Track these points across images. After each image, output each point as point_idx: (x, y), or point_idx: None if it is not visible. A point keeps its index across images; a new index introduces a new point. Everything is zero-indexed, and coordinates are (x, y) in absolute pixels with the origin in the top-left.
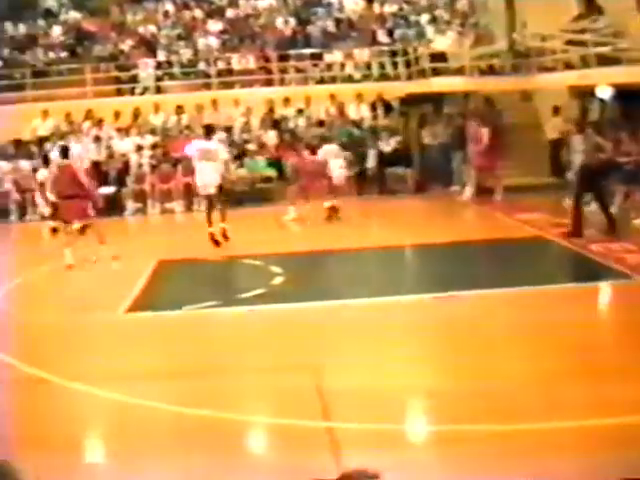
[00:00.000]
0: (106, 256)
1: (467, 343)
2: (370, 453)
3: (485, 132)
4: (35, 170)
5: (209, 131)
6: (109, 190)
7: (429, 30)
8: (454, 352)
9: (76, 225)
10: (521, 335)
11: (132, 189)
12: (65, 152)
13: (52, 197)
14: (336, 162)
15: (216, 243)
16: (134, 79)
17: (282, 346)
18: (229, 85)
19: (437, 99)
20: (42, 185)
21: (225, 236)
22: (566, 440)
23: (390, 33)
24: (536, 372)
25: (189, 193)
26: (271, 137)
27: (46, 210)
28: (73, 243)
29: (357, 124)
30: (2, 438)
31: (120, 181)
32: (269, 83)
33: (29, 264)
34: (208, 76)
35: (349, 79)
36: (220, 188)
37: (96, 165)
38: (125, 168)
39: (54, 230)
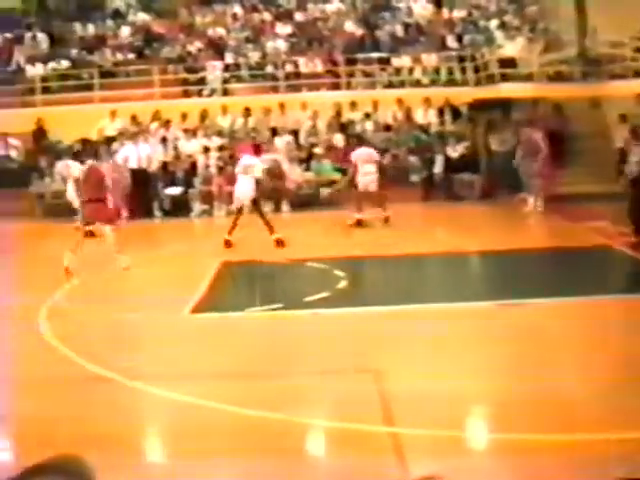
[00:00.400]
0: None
1: (531, 351)
2: (432, 459)
3: (540, 139)
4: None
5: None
6: (176, 191)
7: (498, 35)
8: (518, 360)
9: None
10: (586, 344)
11: (199, 190)
12: (96, 153)
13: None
14: (366, 167)
15: (227, 244)
16: (202, 81)
17: (345, 350)
18: (296, 88)
19: (505, 105)
20: (77, 181)
21: (282, 243)
22: (631, 451)
23: (459, 38)
24: (601, 382)
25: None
26: (338, 141)
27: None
28: (120, 247)
29: (424, 129)
30: (65, 436)
31: (187, 182)
32: (336, 87)
33: (94, 262)
34: (275, 79)
35: (417, 84)
36: (254, 201)
37: (164, 166)
38: (192, 169)
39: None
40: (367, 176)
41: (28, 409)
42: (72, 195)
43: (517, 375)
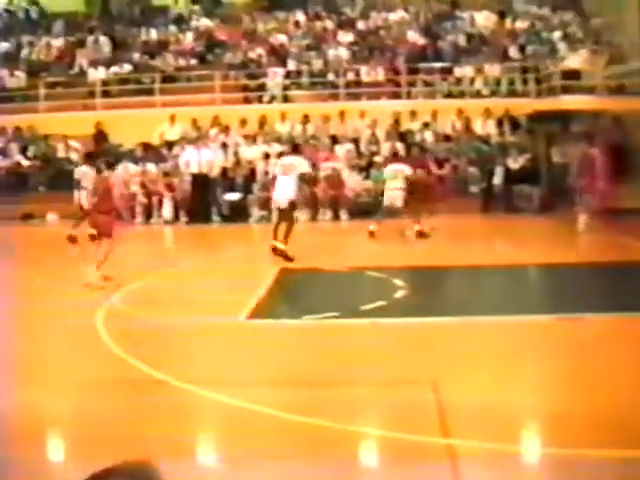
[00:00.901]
0: (93, 282)
1: (589, 366)
2: (488, 472)
3: (596, 155)
4: (166, 174)
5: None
6: (235, 197)
7: (561, 47)
8: (575, 374)
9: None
10: None
11: (258, 197)
12: (110, 164)
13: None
14: (392, 183)
15: (287, 258)
16: (262, 87)
17: (402, 359)
18: (356, 96)
19: (565, 117)
20: (78, 183)
21: (285, 255)
22: None
23: (521, 49)
24: None
25: (314, 203)
26: (399, 149)
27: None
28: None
29: (485, 140)
30: (120, 438)
31: (246, 188)
32: (396, 96)
33: (153, 266)
34: (335, 87)
35: (477, 94)
36: (292, 204)
37: (223, 171)
38: (251, 175)
39: (72, 239)
40: (392, 192)
41: (86, 411)
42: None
43: (574, 389)
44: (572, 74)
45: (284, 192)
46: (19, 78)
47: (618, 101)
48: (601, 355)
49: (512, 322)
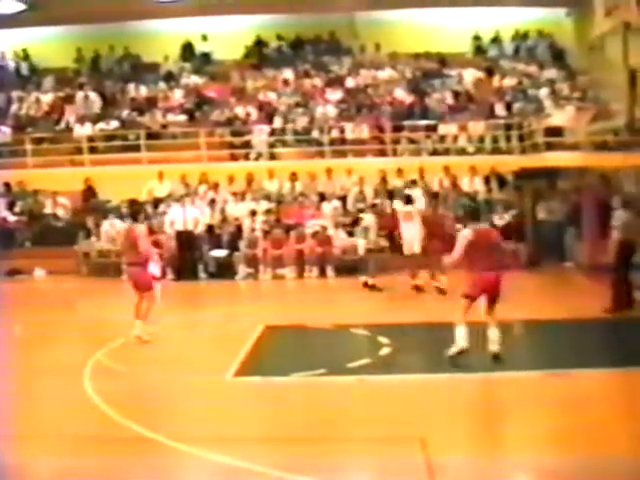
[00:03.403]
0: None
1: (579, 422)
2: None
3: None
4: (152, 231)
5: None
6: (221, 253)
7: (547, 104)
8: (565, 431)
9: None
10: (637, 416)
11: (244, 253)
12: (135, 214)
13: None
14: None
15: (417, 289)
16: (247, 145)
17: (390, 416)
18: (341, 154)
19: (552, 174)
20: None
21: (441, 291)
22: None
23: (508, 106)
24: None
25: (301, 260)
26: (386, 206)
27: None
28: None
29: (472, 197)
30: None
31: (232, 245)
32: (382, 153)
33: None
34: (320, 144)
35: (462, 152)
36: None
37: (210, 228)
38: (238, 232)
39: None
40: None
41: (73, 469)
42: None
43: (564, 445)
44: (555, 131)
45: (415, 235)
46: (5, 133)
47: (602, 157)
48: (591, 411)
49: (500, 378)
